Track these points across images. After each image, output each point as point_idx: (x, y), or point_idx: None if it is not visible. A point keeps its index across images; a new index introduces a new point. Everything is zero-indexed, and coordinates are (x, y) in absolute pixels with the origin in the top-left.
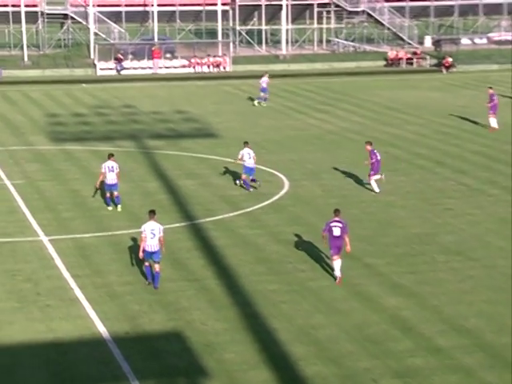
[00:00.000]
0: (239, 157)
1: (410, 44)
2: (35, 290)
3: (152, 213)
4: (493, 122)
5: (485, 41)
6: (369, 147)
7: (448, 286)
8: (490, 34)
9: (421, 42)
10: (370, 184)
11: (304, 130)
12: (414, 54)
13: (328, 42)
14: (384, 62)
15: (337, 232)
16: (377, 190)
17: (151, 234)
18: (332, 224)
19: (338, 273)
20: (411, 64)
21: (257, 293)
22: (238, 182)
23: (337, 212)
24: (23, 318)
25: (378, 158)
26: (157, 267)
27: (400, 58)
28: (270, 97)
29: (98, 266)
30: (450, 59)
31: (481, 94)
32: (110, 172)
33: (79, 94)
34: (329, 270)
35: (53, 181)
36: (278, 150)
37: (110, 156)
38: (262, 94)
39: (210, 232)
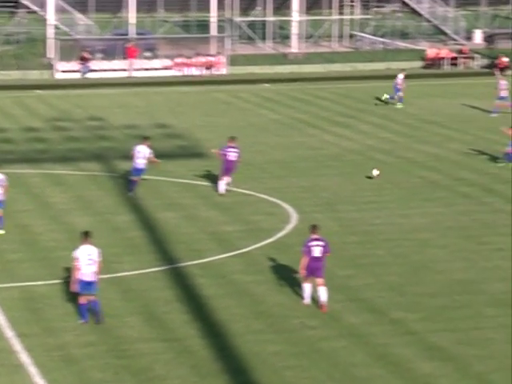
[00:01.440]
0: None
1: (454, 40)
2: None
3: (86, 234)
4: None
5: None
6: None
7: (497, 348)
8: None
9: (469, 38)
10: None
11: (318, 148)
12: (460, 52)
13: (351, 37)
14: (422, 63)
15: (317, 252)
16: None
17: (88, 261)
18: (311, 243)
19: (323, 298)
20: (456, 65)
21: (254, 356)
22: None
23: (315, 229)
24: None
25: None
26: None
27: (442, 58)
28: (276, 107)
29: (51, 322)
30: (506, 59)
31: None
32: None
33: (33, 103)
34: (346, 327)
35: None
36: (285, 175)
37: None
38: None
39: (195, 278)
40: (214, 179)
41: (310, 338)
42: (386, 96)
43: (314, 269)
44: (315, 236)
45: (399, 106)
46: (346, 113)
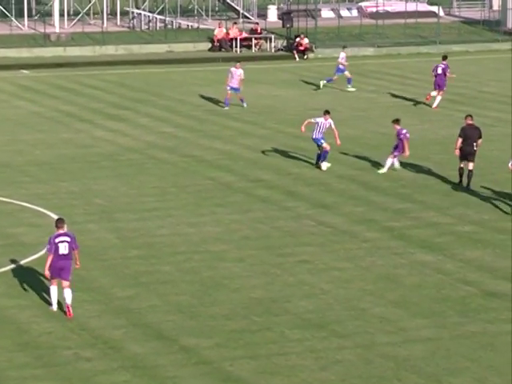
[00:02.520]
0: None
1: (246, 18)
2: None
3: (61, 221)
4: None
5: (355, 13)
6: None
7: (305, 377)
8: (362, 4)
9: (262, 15)
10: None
11: (89, 146)
12: (253, 32)
13: (124, 14)
14: (209, 45)
15: (64, 249)
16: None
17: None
18: (58, 239)
19: (68, 301)
20: (249, 47)
21: None
22: None
23: (60, 223)
24: None
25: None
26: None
27: (232, 39)
28: (36, 98)
29: None
30: (306, 40)
31: (350, 92)
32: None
33: None
34: (128, 357)
35: None
36: (50, 178)
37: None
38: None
39: None
40: None
41: (85, 372)
42: (323, 82)
43: (60, 269)
44: (61, 231)
45: (351, 89)
46: (120, 104)
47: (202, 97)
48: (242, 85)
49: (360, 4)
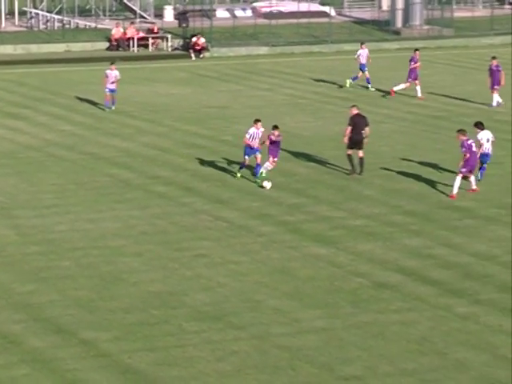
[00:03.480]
0: None
1: (143, 18)
2: None
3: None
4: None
5: (249, 13)
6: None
7: (202, 368)
8: (256, 4)
9: (159, 15)
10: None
11: None
12: (150, 31)
13: (22, 14)
14: (107, 44)
15: None
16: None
17: None
18: None
19: None
20: (146, 46)
21: None
22: None
23: None
24: None
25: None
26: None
27: (129, 38)
28: None
29: None
30: (202, 39)
31: (245, 90)
32: None
33: None
34: (28, 351)
35: None
36: None
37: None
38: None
39: None
40: None
41: None
42: (349, 81)
43: None
44: None
45: (372, 88)
46: (20, 103)
47: (100, 95)
48: (118, 85)
49: (254, 4)
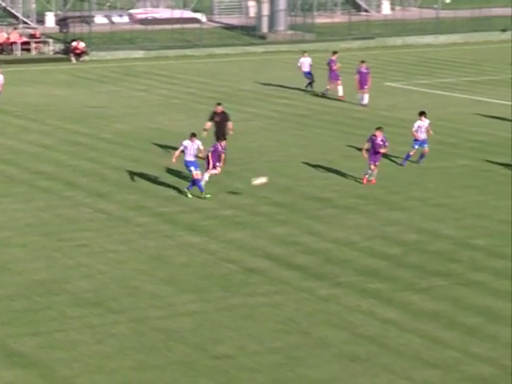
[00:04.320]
0: None
1: (26, 23)
2: None
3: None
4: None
5: (126, 19)
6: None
7: (83, 350)
8: (132, 11)
9: (41, 21)
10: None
11: None
12: (32, 36)
13: None
14: None
15: None
16: None
17: None
18: None
19: None
20: (29, 50)
21: None
22: None
23: None
24: None
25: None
26: None
27: (13, 43)
28: None
29: None
30: (82, 44)
31: (123, 91)
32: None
33: None
34: None
35: None
36: None
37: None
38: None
39: None
40: None
41: None
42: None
43: None
44: None
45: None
46: None
47: None
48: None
49: (130, 11)
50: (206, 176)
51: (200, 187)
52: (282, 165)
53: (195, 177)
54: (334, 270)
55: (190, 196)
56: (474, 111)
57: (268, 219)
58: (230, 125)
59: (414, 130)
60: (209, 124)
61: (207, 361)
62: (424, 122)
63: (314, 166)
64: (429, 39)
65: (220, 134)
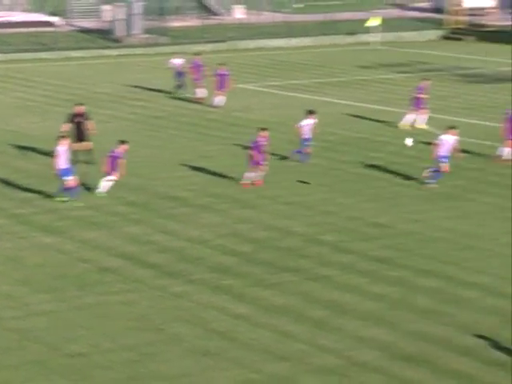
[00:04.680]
0: None
1: None
2: None
3: None
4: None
5: None
6: None
7: None
8: None
9: None
10: None
11: None
12: None
13: None
14: None
15: None
16: None
17: None
18: None
19: None
20: None
21: None
22: None
23: None
24: None
25: None
26: None
27: None
28: None
29: None
30: None
31: None
32: None
33: None
34: None
35: None
36: None
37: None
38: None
39: None
40: None
41: None
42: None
43: None
44: None
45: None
46: None
47: None
48: None
49: None
50: (106, 183)
51: (73, 194)
52: (137, 165)
53: (69, 184)
54: (187, 268)
55: (66, 199)
56: (323, 111)
57: (123, 219)
58: (89, 124)
59: (298, 127)
60: (67, 126)
61: (61, 359)
62: (311, 121)
63: (170, 166)
64: (281, 42)
65: (80, 134)
